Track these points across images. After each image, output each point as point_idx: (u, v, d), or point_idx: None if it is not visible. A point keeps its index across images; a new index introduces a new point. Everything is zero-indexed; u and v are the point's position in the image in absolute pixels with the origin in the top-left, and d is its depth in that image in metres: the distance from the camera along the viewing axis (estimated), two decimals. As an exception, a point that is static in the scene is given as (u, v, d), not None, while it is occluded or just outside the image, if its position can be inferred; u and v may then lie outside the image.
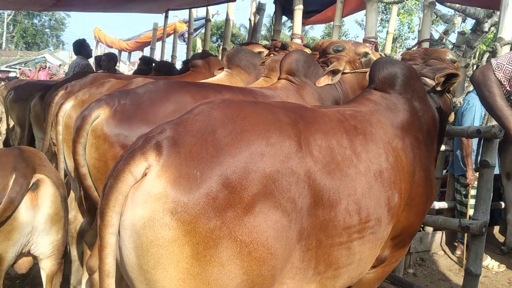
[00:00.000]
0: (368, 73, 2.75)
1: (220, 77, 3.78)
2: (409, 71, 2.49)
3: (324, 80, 3.11)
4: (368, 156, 1.98)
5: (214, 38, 35.14)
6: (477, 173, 4.38)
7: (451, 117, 3.20)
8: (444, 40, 8.83)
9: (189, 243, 1.41)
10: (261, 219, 1.51)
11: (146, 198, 1.42)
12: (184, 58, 8.38)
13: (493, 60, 2.41)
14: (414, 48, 3.32)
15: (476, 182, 4.88)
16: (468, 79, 2.93)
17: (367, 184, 1.92)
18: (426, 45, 4.10)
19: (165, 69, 6.00)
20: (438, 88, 2.63)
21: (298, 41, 4.73)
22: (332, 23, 5.71)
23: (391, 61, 2.59)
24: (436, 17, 11.53)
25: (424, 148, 2.40)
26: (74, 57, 8.64)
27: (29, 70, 19.22)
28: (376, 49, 3.99)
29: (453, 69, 2.78)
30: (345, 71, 3.27)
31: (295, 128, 1.75)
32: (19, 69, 20.56)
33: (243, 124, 1.61)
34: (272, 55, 4.06)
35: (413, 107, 2.42)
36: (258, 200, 1.52)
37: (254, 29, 6.65)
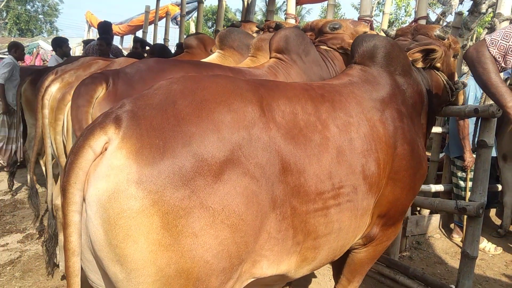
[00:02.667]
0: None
1: (212, 58, 3.69)
2: (389, 44, 2.48)
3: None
4: (335, 123, 1.98)
5: (210, 23, 34.89)
6: (474, 154, 4.36)
7: (460, 99, 3.14)
8: (441, 22, 8.72)
9: (158, 213, 1.38)
10: (231, 186, 1.50)
11: (108, 170, 1.39)
12: (177, 42, 8.25)
13: (487, 36, 2.34)
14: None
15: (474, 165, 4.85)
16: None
17: (335, 150, 1.92)
18: (423, 22, 4.03)
19: (159, 51, 5.88)
20: (419, 65, 2.64)
21: (292, 21, 4.62)
22: (326, 2, 5.59)
23: (371, 35, 2.60)
24: (433, -1, 11.39)
25: (409, 122, 2.37)
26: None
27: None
28: (372, 28, 3.90)
29: (440, 45, 2.72)
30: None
31: (257, 94, 1.75)
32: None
33: (203, 94, 1.61)
34: (263, 35, 3.96)
35: (395, 80, 2.41)
36: (226, 167, 1.50)
37: (247, 10, 6.51)
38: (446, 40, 2.79)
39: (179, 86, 1.62)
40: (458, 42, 2.91)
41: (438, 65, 2.72)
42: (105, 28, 7.98)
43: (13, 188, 6.25)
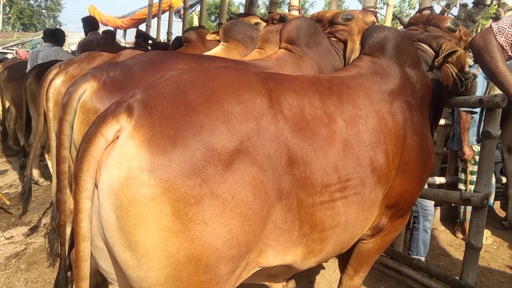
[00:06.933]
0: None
1: (216, 50, 3.67)
2: (400, 36, 2.47)
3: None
4: (342, 116, 1.98)
5: (213, 17, 34.85)
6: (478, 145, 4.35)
7: (472, 90, 3.12)
8: (445, 14, 8.68)
9: (169, 200, 1.39)
10: (240, 176, 1.52)
11: (120, 158, 1.40)
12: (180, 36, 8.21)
13: (493, 24, 2.27)
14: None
15: (473, 158, 4.85)
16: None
17: (341, 143, 1.92)
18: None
19: (163, 49, 5.86)
20: (438, 65, 2.64)
21: (296, 13, 4.59)
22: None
23: (381, 27, 2.58)
24: (438, -9, 11.30)
25: (418, 114, 2.37)
26: (71, 37, 8.55)
27: (26, 51, 19.02)
28: (376, 19, 3.87)
29: (451, 37, 2.71)
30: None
31: (265, 86, 1.76)
32: (16, 50, 20.38)
33: (213, 84, 1.61)
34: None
35: (404, 72, 2.41)
36: (236, 157, 1.52)
37: (250, 3, 6.48)
38: (457, 32, 2.77)
39: (189, 77, 1.63)
40: (469, 34, 2.88)
41: (450, 59, 2.70)
42: (91, 24, 7.75)
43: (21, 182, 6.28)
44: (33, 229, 4.71)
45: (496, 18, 3.06)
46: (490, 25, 2.26)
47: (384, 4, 20.56)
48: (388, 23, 7.35)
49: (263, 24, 4.27)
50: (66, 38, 9.05)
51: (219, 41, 3.80)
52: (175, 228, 1.40)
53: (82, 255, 1.46)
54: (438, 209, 5.43)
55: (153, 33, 10.75)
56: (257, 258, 1.75)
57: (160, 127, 1.43)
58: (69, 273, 2.62)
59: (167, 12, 10.66)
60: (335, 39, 3.35)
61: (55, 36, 7.44)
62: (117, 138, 1.44)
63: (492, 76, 2.27)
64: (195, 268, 1.47)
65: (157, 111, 1.47)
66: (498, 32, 2.22)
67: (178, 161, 1.40)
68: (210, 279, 1.51)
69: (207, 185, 1.44)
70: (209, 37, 4.05)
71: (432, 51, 2.71)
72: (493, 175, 4.13)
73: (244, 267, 1.68)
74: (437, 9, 8.81)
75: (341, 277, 2.75)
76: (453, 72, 2.78)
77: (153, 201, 1.38)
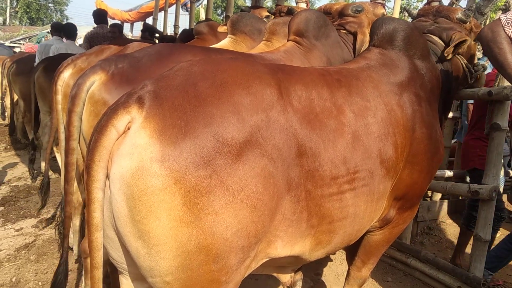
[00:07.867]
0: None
1: (224, 43, 3.68)
2: (409, 28, 2.46)
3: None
4: (351, 108, 1.99)
5: (219, 11, 34.77)
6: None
7: (481, 82, 3.11)
8: (454, 6, 8.59)
9: (180, 190, 1.40)
10: (250, 167, 1.53)
11: (132, 149, 1.41)
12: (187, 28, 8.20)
13: (502, 16, 2.26)
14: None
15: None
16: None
17: (350, 135, 1.93)
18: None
19: (168, 41, 5.86)
20: (449, 56, 2.62)
21: (303, 5, 4.59)
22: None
23: (391, 18, 2.57)
24: (446, -16, 11.21)
25: (427, 106, 2.37)
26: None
27: (35, 44, 19.11)
28: (384, 11, 3.85)
29: (461, 29, 2.69)
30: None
31: (275, 77, 1.77)
32: (23, 44, 20.47)
33: (223, 76, 1.63)
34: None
35: (414, 64, 2.40)
36: (245, 148, 1.53)
37: (258, -4, 6.47)
38: (468, 24, 2.76)
39: (199, 68, 1.64)
40: (480, 26, 2.86)
41: (461, 50, 2.69)
42: (101, 16, 7.70)
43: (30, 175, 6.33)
44: (42, 221, 4.75)
45: (506, 10, 3.04)
46: (499, 17, 2.25)
47: (391, -3, 20.41)
48: (396, 15, 7.30)
49: (272, 17, 4.26)
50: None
51: None
52: (186, 218, 1.42)
53: (95, 245, 1.48)
54: (445, 202, 5.42)
55: (160, 27, 10.77)
56: (266, 248, 1.76)
57: (171, 118, 1.44)
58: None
59: (174, 6, 10.65)
60: (344, 31, 3.34)
61: (67, 30, 7.43)
62: (129, 129, 1.45)
63: (501, 68, 2.26)
64: (206, 257, 1.48)
65: (167, 102, 1.48)
66: (506, 24, 2.22)
67: (188, 151, 1.41)
68: (220, 269, 1.53)
69: (218, 176, 1.45)
70: (221, 29, 4.06)
71: (442, 42, 2.69)
72: (503, 168, 4.10)
73: (253, 257, 1.69)
74: (445, 1, 8.73)
75: (349, 269, 2.76)
76: (463, 63, 2.76)
77: (164, 192, 1.39)
